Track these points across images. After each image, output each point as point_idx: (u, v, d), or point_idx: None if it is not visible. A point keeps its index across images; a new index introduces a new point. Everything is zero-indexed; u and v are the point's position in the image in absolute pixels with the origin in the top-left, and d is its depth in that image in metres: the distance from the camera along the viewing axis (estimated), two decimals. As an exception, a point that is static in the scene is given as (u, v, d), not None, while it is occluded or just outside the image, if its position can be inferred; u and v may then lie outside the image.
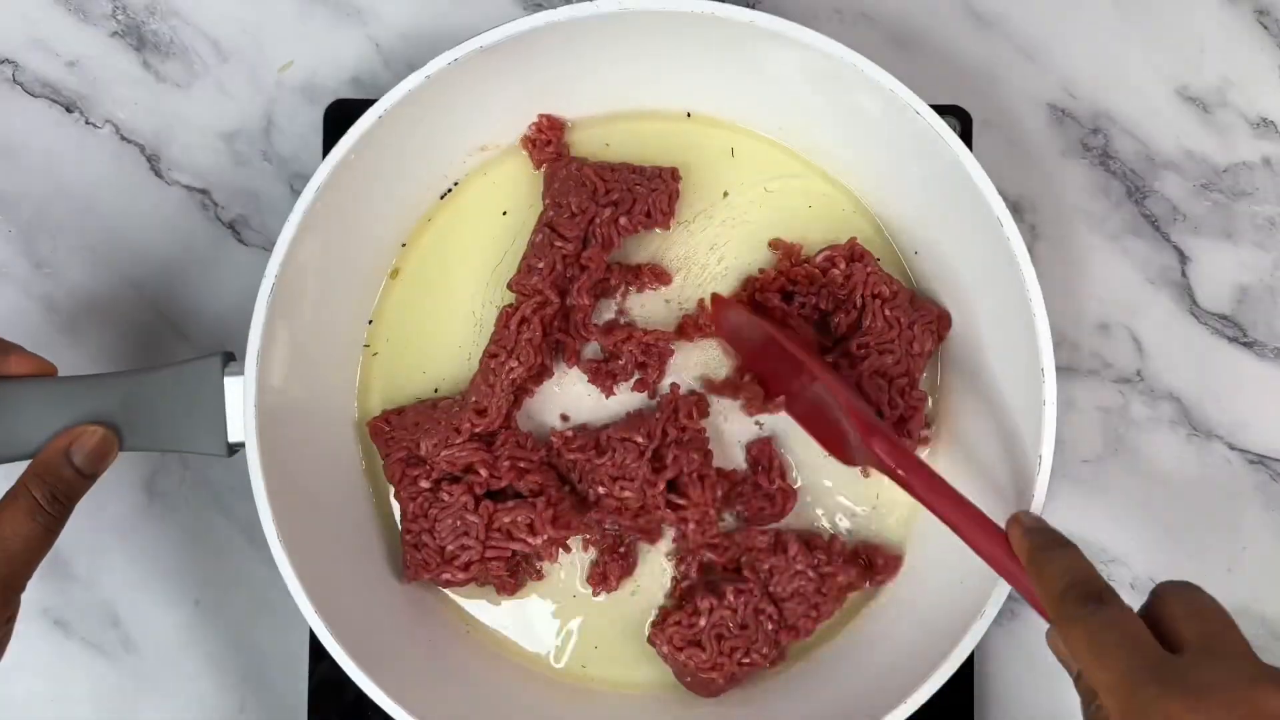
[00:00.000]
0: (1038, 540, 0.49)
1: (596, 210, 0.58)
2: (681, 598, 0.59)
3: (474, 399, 0.57)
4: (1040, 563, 0.48)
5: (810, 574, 0.58)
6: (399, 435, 0.59)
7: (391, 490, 0.59)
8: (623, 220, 0.58)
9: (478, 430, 0.57)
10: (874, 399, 0.58)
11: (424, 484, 0.58)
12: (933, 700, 0.53)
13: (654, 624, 0.59)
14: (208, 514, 0.63)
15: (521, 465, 0.58)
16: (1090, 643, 0.44)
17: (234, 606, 0.63)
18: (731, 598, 0.57)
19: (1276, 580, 0.64)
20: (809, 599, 0.58)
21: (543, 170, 0.60)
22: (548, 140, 0.60)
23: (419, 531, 0.58)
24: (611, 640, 0.60)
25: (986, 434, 0.58)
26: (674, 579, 0.60)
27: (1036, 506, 0.53)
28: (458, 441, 0.57)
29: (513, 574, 0.59)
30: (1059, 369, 0.53)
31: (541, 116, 0.60)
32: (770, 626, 0.58)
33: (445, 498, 0.58)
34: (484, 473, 0.57)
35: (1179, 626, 0.44)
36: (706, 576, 0.59)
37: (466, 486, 0.58)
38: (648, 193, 0.59)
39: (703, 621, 0.57)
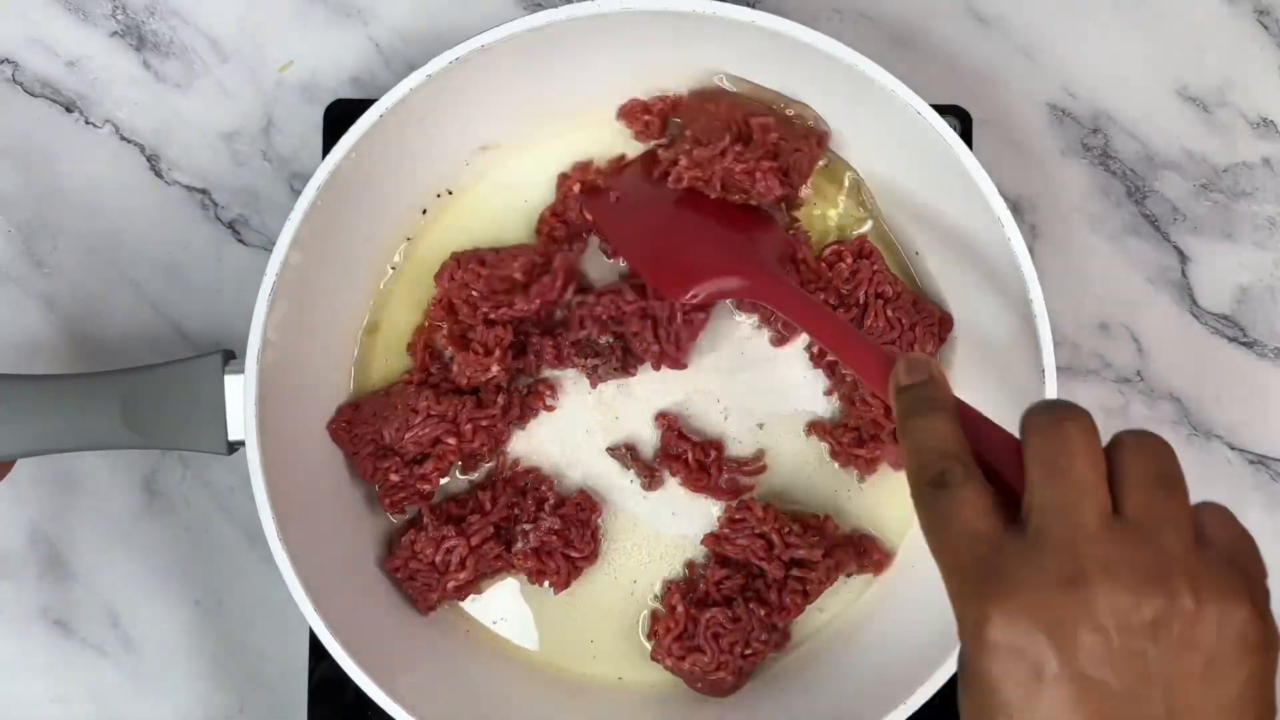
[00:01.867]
0: (908, 404, 0.43)
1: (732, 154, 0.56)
2: (671, 600, 0.59)
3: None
4: (906, 430, 0.42)
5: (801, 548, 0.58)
6: (361, 430, 0.58)
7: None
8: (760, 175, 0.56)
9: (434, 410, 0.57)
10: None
11: (393, 477, 0.58)
12: (932, 701, 0.53)
13: (649, 637, 0.60)
14: (208, 513, 0.63)
15: (484, 424, 0.58)
16: (929, 535, 0.39)
17: (234, 606, 0.63)
18: (715, 593, 0.58)
19: (1277, 580, 0.64)
20: (799, 580, 0.58)
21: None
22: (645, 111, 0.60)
23: (406, 561, 0.58)
24: (612, 639, 0.60)
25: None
26: (664, 581, 0.60)
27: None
28: (417, 421, 0.57)
29: (508, 544, 0.59)
30: (1059, 369, 0.53)
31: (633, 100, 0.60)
32: (762, 612, 0.57)
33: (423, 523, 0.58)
34: (452, 441, 0.58)
35: (1121, 479, 0.38)
36: (693, 575, 0.59)
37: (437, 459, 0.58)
38: (790, 150, 0.57)
39: (699, 624, 0.57)
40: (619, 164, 0.60)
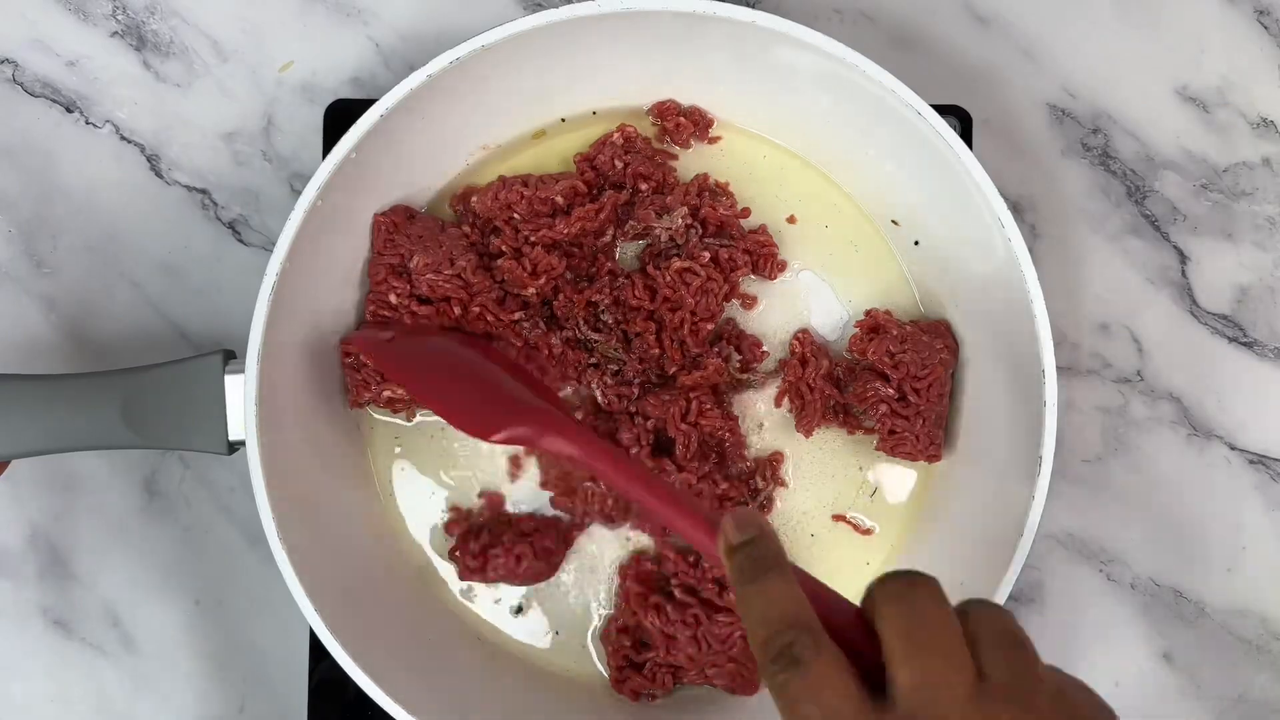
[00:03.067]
0: (742, 566, 0.40)
1: None
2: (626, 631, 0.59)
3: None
4: (743, 598, 0.39)
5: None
6: (398, 240, 0.58)
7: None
8: None
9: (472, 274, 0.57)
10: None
11: (393, 298, 0.57)
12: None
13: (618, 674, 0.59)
14: (208, 514, 0.63)
15: (491, 326, 0.58)
16: (786, 715, 0.36)
17: (234, 606, 0.63)
18: (671, 614, 0.58)
19: (1276, 580, 0.64)
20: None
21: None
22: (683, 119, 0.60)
23: (357, 354, 0.58)
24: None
25: (987, 434, 0.58)
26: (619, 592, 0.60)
27: (1036, 507, 0.53)
28: (446, 271, 0.57)
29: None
30: (1059, 369, 0.53)
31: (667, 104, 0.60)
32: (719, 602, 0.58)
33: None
34: (456, 310, 0.57)
35: (974, 643, 0.37)
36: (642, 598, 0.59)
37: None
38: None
39: (674, 645, 0.58)
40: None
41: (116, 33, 0.64)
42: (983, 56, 0.65)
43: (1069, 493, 0.64)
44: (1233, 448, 0.65)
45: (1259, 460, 0.65)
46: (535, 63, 0.56)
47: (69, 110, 0.64)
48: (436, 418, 0.59)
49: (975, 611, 0.38)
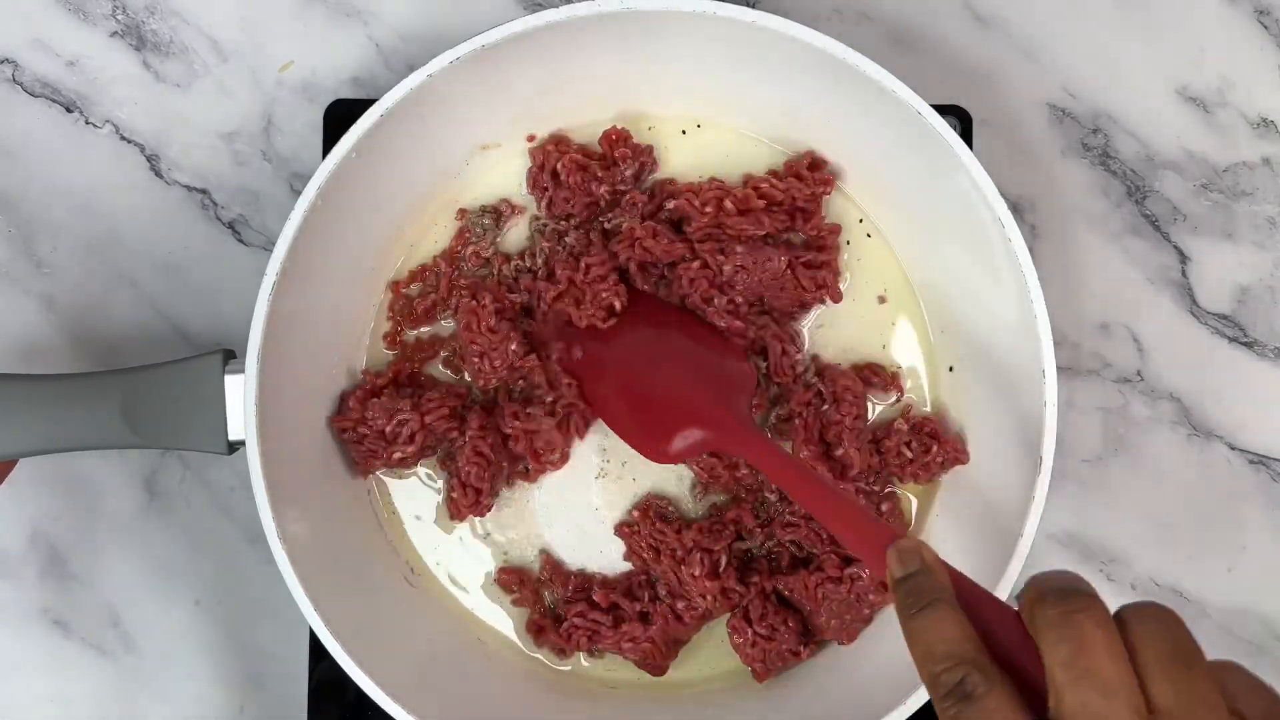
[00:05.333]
0: (906, 600, 0.41)
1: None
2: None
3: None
4: (910, 631, 0.40)
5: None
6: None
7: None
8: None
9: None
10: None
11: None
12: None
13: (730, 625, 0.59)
14: (208, 514, 0.63)
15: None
16: None
17: (234, 606, 0.63)
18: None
19: (1276, 580, 0.64)
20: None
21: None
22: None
23: (354, 427, 0.58)
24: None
25: (987, 434, 0.58)
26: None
27: (1036, 507, 0.53)
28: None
29: (462, 422, 0.58)
30: (1059, 369, 0.53)
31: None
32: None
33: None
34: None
35: (1140, 666, 0.36)
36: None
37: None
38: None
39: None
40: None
41: (116, 33, 0.64)
42: (983, 56, 0.65)
43: (1069, 493, 0.64)
44: (1233, 448, 0.65)
45: (1259, 460, 0.65)
46: (535, 62, 0.56)
47: (69, 110, 0.64)
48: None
49: (1139, 627, 0.36)
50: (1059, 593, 0.37)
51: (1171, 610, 0.37)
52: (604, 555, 0.61)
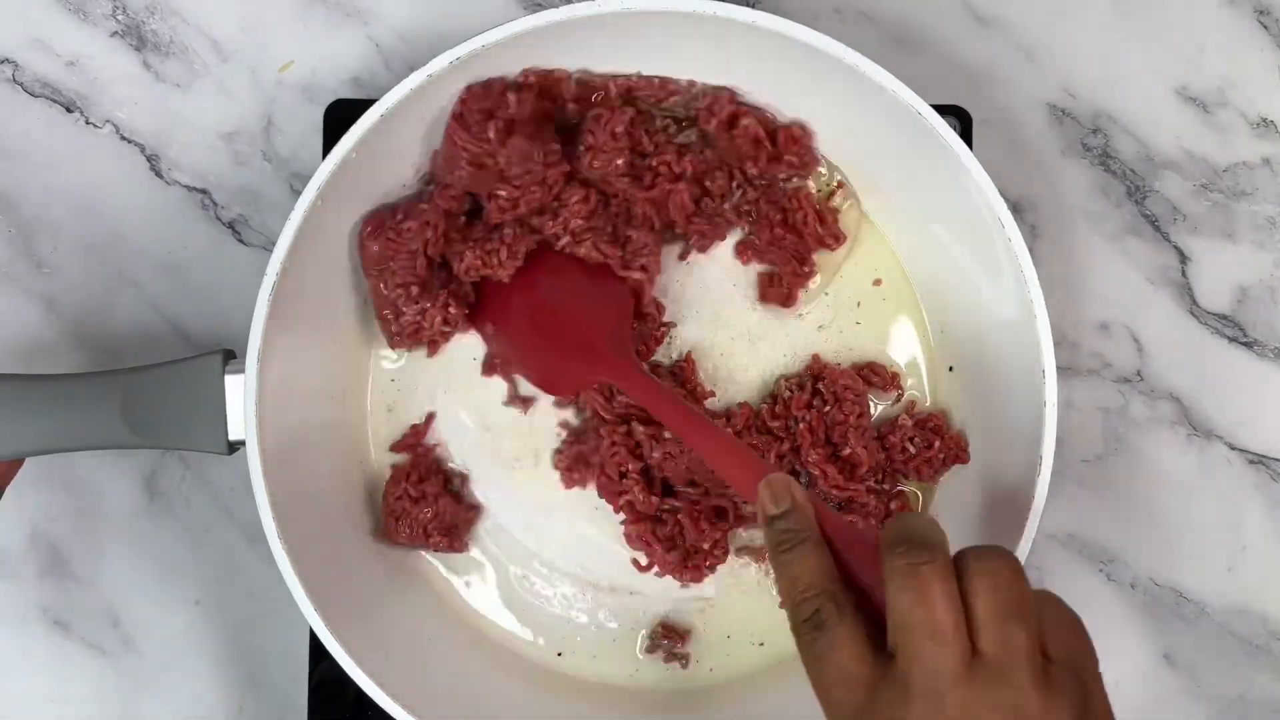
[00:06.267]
0: (778, 538, 0.44)
1: None
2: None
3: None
4: (778, 566, 0.44)
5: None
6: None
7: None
8: None
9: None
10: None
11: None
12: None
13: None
14: (208, 514, 0.63)
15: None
16: (809, 675, 0.41)
17: (234, 606, 0.63)
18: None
19: (1276, 580, 0.64)
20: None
21: None
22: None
23: (405, 492, 0.59)
24: (615, 640, 0.61)
25: (987, 434, 0.58)
26: None
27: (1036, 507, 0.53)
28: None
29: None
30: (1059, 369, 0.53)
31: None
32: None
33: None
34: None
35: (971, 616, 0.39)
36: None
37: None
38: None
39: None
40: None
41: (116, 33, 0.64)
42: (983, 56, 0.65)
43: (1069, 493, 0.64)
44: (1233, 448, 0.65)
45: (1259, 460, 0.65)
46: (535, 62, 0.56)
47: (69, 110, 0.64)
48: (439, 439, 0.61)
49: (976, 579, 0.39)
50: (908, 544, 0.40)
51: (1008, 556, 0.40)
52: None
